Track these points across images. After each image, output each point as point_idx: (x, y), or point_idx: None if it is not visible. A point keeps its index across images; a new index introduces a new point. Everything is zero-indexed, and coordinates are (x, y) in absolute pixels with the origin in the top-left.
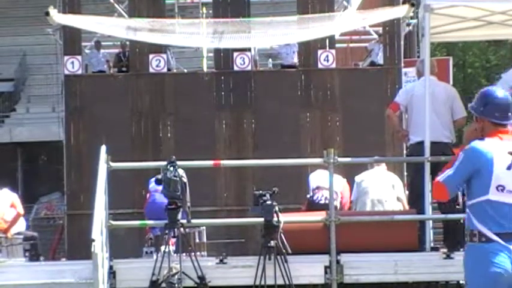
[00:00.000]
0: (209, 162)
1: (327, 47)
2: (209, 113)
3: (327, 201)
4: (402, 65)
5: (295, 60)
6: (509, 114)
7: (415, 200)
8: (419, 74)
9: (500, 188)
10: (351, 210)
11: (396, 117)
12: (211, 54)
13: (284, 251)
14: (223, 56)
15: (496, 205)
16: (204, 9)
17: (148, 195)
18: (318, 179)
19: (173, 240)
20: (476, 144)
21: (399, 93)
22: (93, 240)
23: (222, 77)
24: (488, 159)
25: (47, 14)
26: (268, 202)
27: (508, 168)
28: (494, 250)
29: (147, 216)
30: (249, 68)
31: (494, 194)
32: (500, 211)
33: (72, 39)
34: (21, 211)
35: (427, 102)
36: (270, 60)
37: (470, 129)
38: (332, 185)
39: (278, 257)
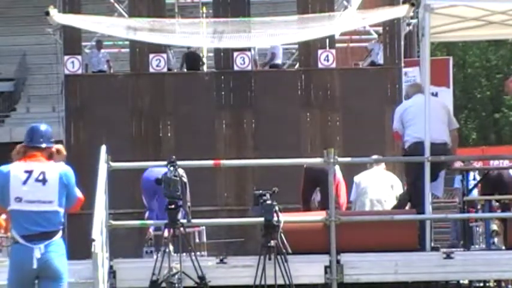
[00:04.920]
0: (209, 162)
1: (327, 47)
2: (209, 113)
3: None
4: (402, 64)
5: (273, 61)
6: (40, 139)
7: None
8: (408, 97)
9: (18, 200)
10: (350, 210)
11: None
12: (211, 54)
13: (284, 250)
14: (223, 56)
15: (18, 213)
16: (204, 9)
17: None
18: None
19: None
20: (1, 167)
21: (394, 118)
22: (93, 240)
23: (222, 77)
24: (6, 178)
25: (47, 13)
26: (268, 202)
27: (23, 183)
28: (20, 250)
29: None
30: (249, 68)
31: (14, 204)
32: (22, 217)
33: (72, 39)
34: None
35: (426, 102)
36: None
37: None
38: (332, 185)
39: (278, 256)
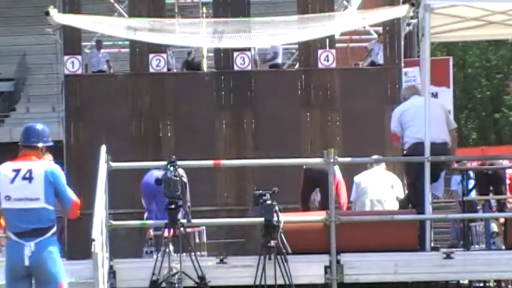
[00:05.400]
0: (209, 162)
1: (327, 47)
2: (209, 113)
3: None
4: (402, 64)
5: (274, 60)
6: (31, 139)
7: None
8: (405, 99)
9: (7, 198)
10: (350, 210)
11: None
12: (211, 54)
13: (284, 250)
14: (223, 56)
15: (8, 211)
16: (204, 9)
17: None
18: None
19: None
20: None
21: (392, 120)
22: (93, 240)
23: (222, 77)
24: None
25: (47, 13)
26: (268, 202)
27: (11, 182)
28: (12, 246)
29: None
30: (249, 68)
31: (4, 203)
32: (13, 215)
33: (72, 39)
34: None
35: (426, 102)
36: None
37: None
38: (332, 185)
39: (278, 256)
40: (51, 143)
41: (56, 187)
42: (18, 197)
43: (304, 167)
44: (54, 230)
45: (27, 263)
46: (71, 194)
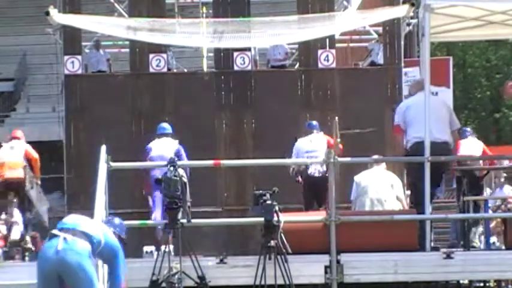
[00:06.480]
0: (209, 162)
1: (327, 47)
2: (209, 113)
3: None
4: (402, 64)
5: (285, 61)
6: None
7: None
8: (411, 94)
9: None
10: (350, 210)
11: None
12: (211, 54)
13: (284, 250)
14: (223, 56)
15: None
16: (204, 9)
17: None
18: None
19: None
20: None
21: (396, 113)
22: None
23: (222, 77)
24: None
25: (47, 13)
26: (268, 202)
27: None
28: (46, 244)
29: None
30: (249, 67)
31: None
32: (66, 217)
33: (72, 39)
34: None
35: (426, 102)
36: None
37: None
38: (332, 184)
39: (278, 256)
40: (120, 234)
41: (111, 258)
42: (81, 222)
43: (293, 173)
44: (89, 248)
45: (55, 253)
46: (122, 279)
